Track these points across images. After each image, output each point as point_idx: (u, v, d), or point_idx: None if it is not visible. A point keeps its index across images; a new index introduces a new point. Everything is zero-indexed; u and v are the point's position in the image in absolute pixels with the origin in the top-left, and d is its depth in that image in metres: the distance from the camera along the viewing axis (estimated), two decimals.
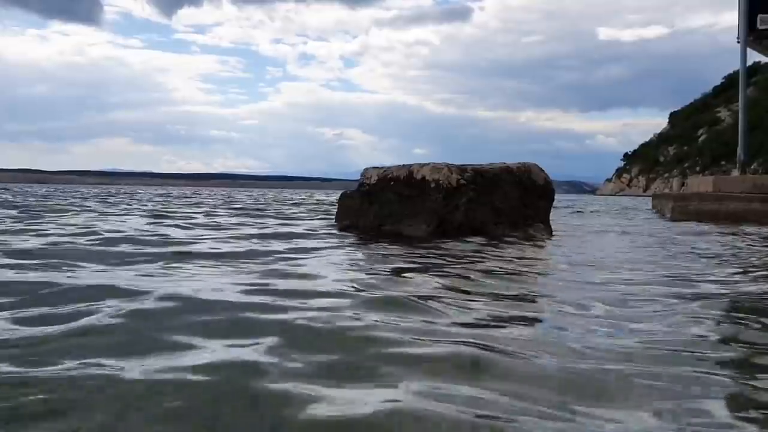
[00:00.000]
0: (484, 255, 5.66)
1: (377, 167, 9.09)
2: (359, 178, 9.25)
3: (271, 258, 5.11)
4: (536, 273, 4.77)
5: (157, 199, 23.02)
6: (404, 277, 4.18)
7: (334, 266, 4.71)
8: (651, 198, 21.56)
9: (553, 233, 8.40)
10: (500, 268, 4.77)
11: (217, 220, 10.64)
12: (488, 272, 4.47)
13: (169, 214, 11.77)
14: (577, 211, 18.85)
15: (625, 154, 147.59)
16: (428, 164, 8.10)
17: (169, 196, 27.44)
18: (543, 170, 8.77)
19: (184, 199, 23.47)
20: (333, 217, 10.07)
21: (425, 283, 3.83)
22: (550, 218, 8.93)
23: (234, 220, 10.75)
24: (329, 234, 8.05)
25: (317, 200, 25.34)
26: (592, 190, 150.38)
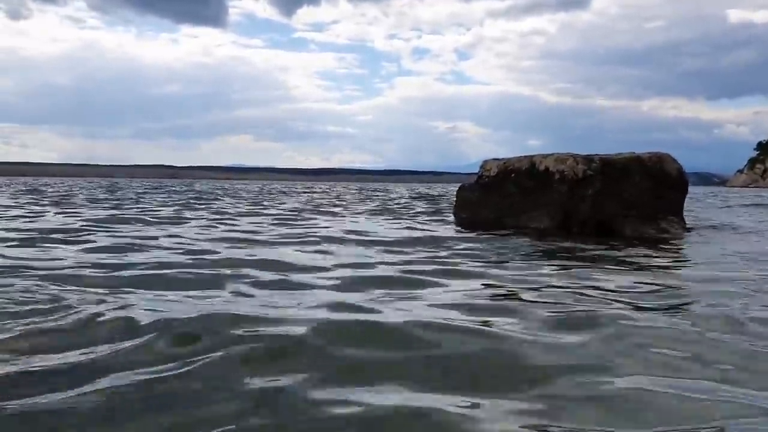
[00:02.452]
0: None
1: (497, 159, 8.84)
2: (478, 170, 9.04)
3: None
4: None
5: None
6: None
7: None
8: None
9: (688, 228, 7.83)
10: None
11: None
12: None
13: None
14: (711, 205, 17.55)
15: (759, 144, 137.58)
16: (552, 155, 7.77)
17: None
18: (676, 161, 8.18)
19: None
20: (450, 209, 9.93)
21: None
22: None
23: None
24: (445, 230, 7.90)
25: (435, 194, 25.22)
26: (722, 182, 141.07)
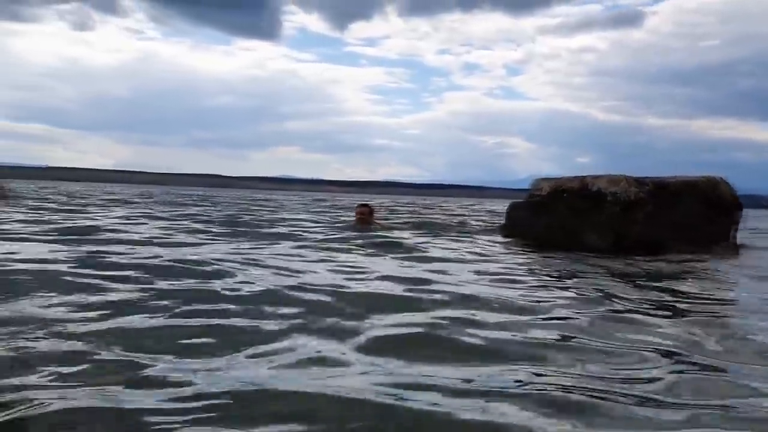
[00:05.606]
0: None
1: (547, 178, 8.95)
2: (529, 188, 9.16)
3: None
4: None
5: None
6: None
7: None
8: None
9: (739, 253, 7.81)
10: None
11: None
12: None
13: None
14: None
15: None
16: (604, 176, 7.87)
17: None
18: (730, 185, 8.19)
19: None
20: (499, 226, 10.02)
21: None
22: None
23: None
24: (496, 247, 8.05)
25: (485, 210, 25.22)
26: None
